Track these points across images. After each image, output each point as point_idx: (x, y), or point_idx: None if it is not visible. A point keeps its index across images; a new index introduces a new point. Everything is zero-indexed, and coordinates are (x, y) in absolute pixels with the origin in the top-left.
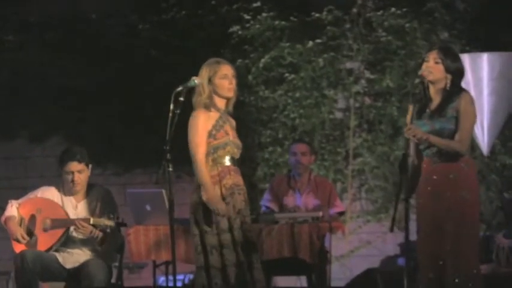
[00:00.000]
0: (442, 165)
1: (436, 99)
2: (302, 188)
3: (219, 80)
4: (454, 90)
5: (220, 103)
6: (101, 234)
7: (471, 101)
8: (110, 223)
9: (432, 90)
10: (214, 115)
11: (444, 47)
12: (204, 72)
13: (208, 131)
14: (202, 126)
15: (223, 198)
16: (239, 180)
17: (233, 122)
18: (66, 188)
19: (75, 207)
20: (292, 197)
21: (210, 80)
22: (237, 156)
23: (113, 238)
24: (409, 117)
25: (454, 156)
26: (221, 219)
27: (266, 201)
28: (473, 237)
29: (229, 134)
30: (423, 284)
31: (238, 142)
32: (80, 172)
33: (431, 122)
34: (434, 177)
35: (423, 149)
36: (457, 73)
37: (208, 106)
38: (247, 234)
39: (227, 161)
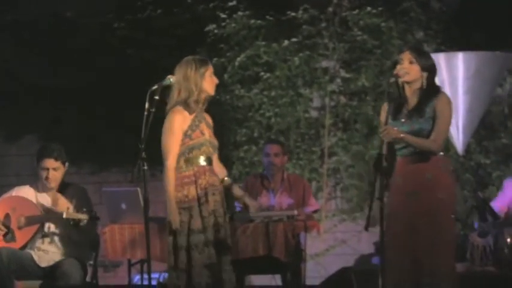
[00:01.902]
0: (419, 165)
1: (413, 99)
2: (276, 188)
3: (209, 77)
4: (431, 89)
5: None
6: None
7: (448, 102)
8: (84, 217)
9: (408, 90)
10: (190, 115)
11: (415, 47)
12: (195, 67)
13: (184, 131)
14: (178, 127)
15: (198, 199)
16: (214, 180)
17: (209, 120)
18: (40, 185)
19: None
20: (266, 197)
21: (202, 76)
22: (213, 155)
23: (87, 233)
24: (383, 117)
25: (429, 156)
26: (194, 221)
27: None
28: (449, 237)
29: (206, 133)
30: (393, 283)
31: (214, 141)
32: (55, 169)
33: (411, 122)
34: (411, 177)
35: (399, 148)
36: (432, 70)
37: (193, 105)
38: (218, 235)
39: (202, 161)
